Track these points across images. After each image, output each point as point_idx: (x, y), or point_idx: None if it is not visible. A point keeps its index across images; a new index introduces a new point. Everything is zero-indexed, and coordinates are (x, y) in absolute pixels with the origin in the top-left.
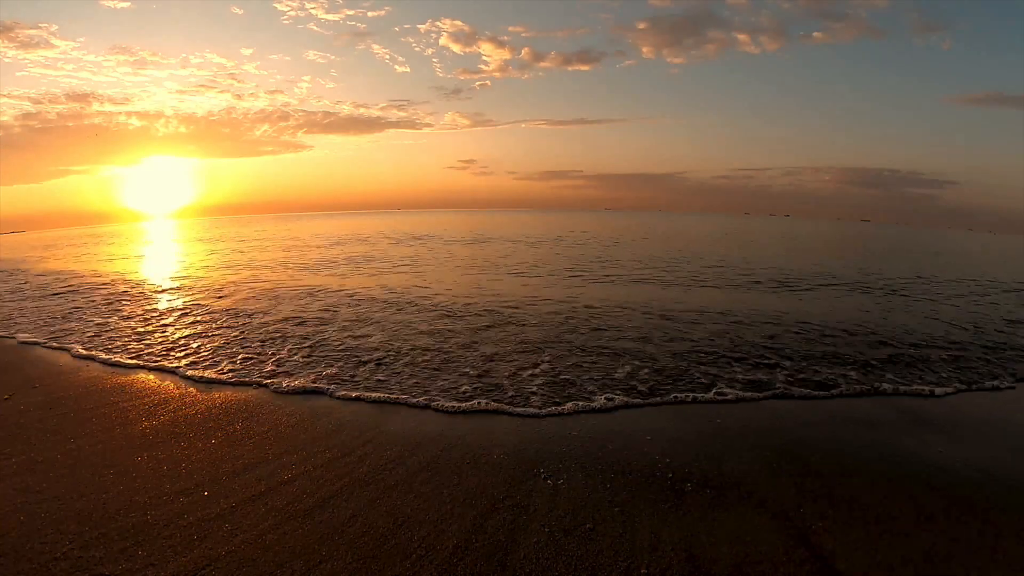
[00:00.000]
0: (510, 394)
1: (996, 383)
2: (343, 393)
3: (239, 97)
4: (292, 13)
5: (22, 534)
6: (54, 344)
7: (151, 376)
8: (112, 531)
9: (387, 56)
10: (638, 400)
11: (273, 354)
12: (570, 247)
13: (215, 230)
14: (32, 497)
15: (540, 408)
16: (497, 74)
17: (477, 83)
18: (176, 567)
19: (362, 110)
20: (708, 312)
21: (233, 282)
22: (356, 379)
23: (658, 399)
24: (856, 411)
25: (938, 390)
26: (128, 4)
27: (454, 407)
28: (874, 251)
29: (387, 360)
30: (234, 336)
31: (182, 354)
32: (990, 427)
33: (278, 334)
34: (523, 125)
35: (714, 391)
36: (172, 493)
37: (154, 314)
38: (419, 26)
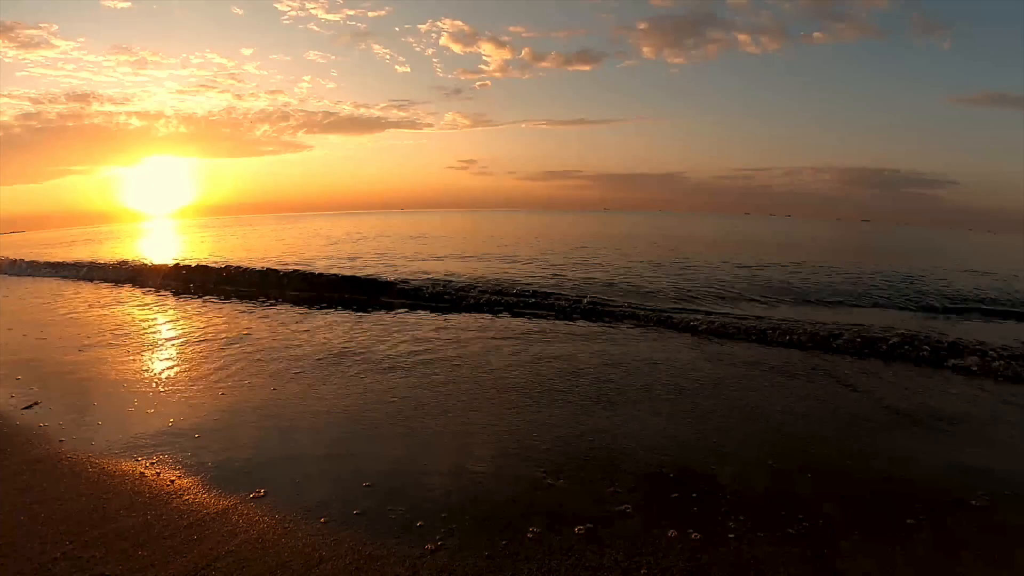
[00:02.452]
0: None
1: None
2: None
3: (239, 97)
4: (292, 13)
5: (22, 534)
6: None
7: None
8: (112, 531)
9: (387, 56)
10: None
11: None
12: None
13: (196, 239)
14: (32, 497)
15: None
16: (497, 74)
17: (477, 83)
18: (176, 567)
19: (362, 110)
20: None
21: None
22: None
23: None
24: None
25: None
26: (128, 4)
27: None
28: None
29: None
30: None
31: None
32: None
33: None
34: (523, 125)
35: None
36: (172, 493)
37: None
38: (419, 26)
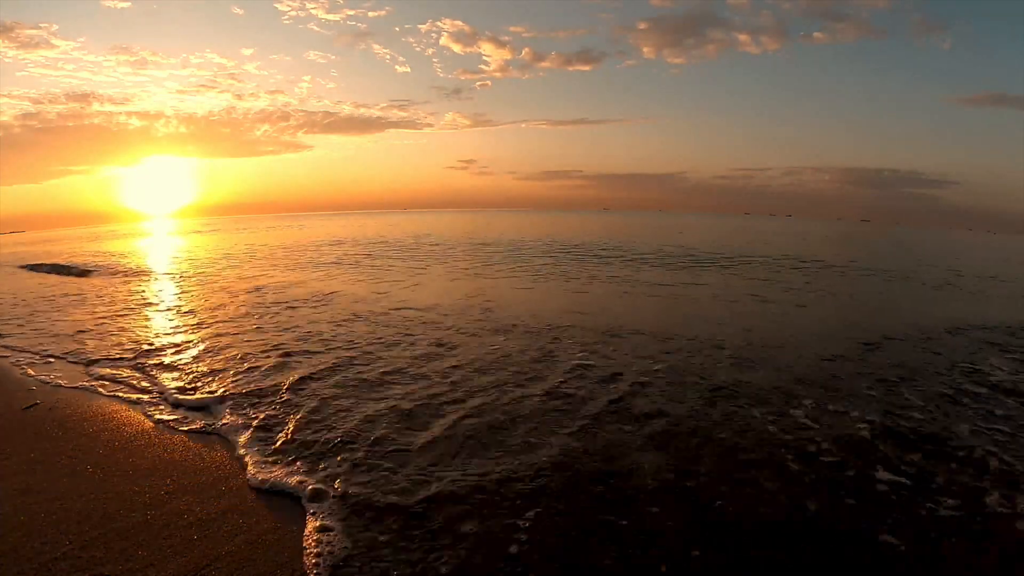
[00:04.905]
0: None
1: None
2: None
3: (239, 97)
4: (292, 13)
5: (22, 534)
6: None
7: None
8: (112, 531)
9: (387, 56)
10: None
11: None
12: None
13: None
14: (32, 497)
15: None
16: (498, 74)
17: (478, 83)
18: (176, 567)
19: (362, 110)
20: None
21: None
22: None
23: None
24: None
25: None
26: (128, 4)
27: None
28: None
29: None
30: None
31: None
32: None
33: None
34: (523, 125)
35: None
36: (172, 493)
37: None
38: (419, 26)
